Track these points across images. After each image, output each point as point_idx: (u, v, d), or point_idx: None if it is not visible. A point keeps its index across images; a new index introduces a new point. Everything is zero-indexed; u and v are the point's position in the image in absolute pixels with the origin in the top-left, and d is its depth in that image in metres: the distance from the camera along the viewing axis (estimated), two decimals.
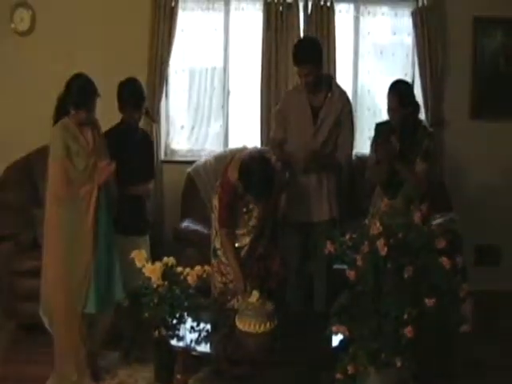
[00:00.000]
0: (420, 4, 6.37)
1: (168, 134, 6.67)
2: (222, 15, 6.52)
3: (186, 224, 5.96)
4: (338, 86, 5.21)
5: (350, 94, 5.83)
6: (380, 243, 3.46)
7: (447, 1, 6.42)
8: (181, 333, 4.23)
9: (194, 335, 4.25)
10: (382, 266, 3.49)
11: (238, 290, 4.75)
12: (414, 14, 6.39)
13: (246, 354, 4.28)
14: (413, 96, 5.11)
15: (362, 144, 6.47)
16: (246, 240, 4.88)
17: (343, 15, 6.55)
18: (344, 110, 5.06)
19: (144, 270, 4.25)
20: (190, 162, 6.36)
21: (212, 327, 4.35)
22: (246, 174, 4.53)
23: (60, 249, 4.42)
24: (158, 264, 4.25)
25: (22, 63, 6.25)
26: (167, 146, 6.66)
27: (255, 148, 5.99)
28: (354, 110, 5.40)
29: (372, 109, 6.67)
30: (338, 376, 3.56)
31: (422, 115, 6.01)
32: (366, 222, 3.83)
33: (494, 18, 6.45)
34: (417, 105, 5.13)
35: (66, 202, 4.41)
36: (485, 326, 4.31)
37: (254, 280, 4.76)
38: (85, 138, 4.46)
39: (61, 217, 4.42)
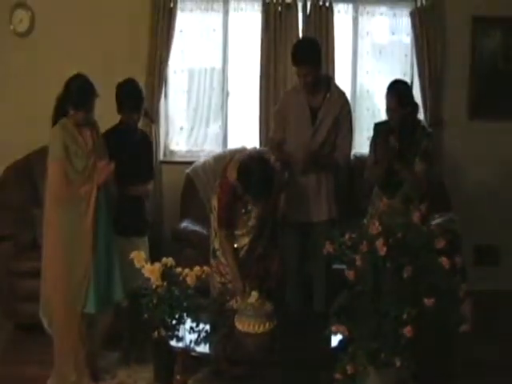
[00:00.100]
0: (419, 4, 6.38)
1: (167, 134, 6.67)
2: (220, 16, 6.52)
3: (184, 224, 5.96)
4: (337, 87, 5.21)
5: (348, 94, 5.84)
6: (379, 243, 3.46)
7: (446, 1, 6.42)
8: (180, 333, 4.22)
9: (194, 336, 4.25)
10: (381, 266, 3.48)
11: (237, 290, 4.75)
12: (412, 14, 6.40)
13: (245, 354, 4.28)
14: (411, 96, 5.11)
15: (361, 144, 6.47)
16: (245, 240, 4.88)
17: (342, 15, 6.56)
18: (343, 111, 5.06)
19: (143, 271, 4.25)
20: (189, 163, 6.36)
21: (211, 328, 4.35)
22: (244, 174, 4.53)
23: (59, 249, 4.42)
24: (157, 264, 4.24)
25: (21, 64, 6.26)
26: (166, 146, 6.67)
27: (254, 148, 5.99)
28: (352, 110, 5.40)
29: (371, 109, 6.69)
30: (338, 376, 3.56)
31: (421, 115, 6.02)
32: (365, 221, 3.83)
33: (493, 18, 6.46)
34: (415, 105, 5.13)
35: (66, 203, 4.41)
36: (484, 325, 4.31)
37: (253, 280, 4.77)
38: (84, 139, 4.46)
39: (60, 217, 4.42)
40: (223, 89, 6.59)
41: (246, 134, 6.64)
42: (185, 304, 4.17)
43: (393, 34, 6.68)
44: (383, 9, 6.61)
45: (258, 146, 6.29)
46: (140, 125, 5.49)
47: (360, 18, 6.59)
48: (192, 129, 6.67)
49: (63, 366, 4.50)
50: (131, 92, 5.12)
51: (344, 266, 3.64)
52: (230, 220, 4.82)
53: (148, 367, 4.62)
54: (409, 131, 4.96)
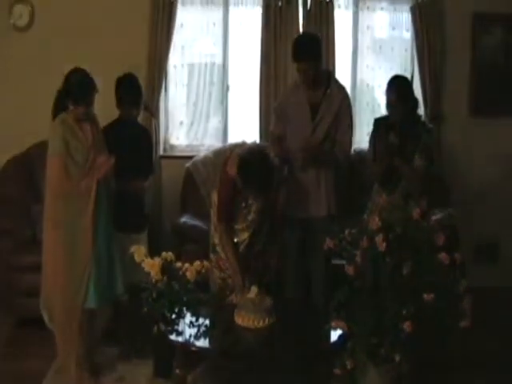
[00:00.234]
0: None
1: (167, 129, 6.67)
2: (221, 10, 6.51)
3: (184, 219, 5.96)
4: (337, 82, 5.20)
5: (348, 89, 5.83)
6: (379, 239, 3.46)
7: None
8: (180, 328, 4.23)
9: (193, 330, 4.25)
10: (381, 262, 3.49)
11: (236, 284, 4.76)
12: (413, 9, 6.38)
13: (244, 349, 4.28)
14: (411, 91, 5.11)
15: (361, 139, 6.47)
16: (245, 235, 4.88)
17: (342, 10, 6.55)
18: (343, 106, 5.05)
19: (143, 265, 4.25)
20: (189, 157, 6.35)
21: (211, 322, 4.36)
22: (244, 168, 4.53)
23: (59, 244, 4.41)
24: (156, 259, 4.25)
25: (20, 59, 6.25)
26: (166, 141, 6.66)
27: (254, 143, 5.97)
28: (352, 105, 5.39)
29: (371, 104, 6.68)
30: (337, 371, 3.57)
31: (421, 110, 6.01)
32: (365, 217, 3.84)
33: (494, 14, 6.44)
34: (416, 100, 5.12)
35: (66, 197, 4.40)
36: (484, 322, 4.31)
37: (253, 275, 4.77)
38: (84, 134, 4.45)
39: (60, 212, 4.42)
40: (223, 83, 6.59)
41: (246, 128, 6.63)
42: (184, 298, 4.17)
43: (393, 29, 6.66)
44: (384, 4, 6.59)
45: (257, 141, 6.28)
46: (140, 119, 5.49)
47: (360, 13, 6.58)
48: (192, 123, 6.66)
49: (64, 360, 4.51)
50: (130, 87, 5.14)
51: (343, 262, 3.65)
52: (230, 214, 4.82)
53: (148, 362, 4.63)
54: (409, 127, 4.96)
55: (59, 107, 4.47)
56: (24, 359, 4.92)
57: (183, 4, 6.41)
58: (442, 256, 3.47)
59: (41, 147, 5.09)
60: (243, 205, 4.83)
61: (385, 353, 3.46)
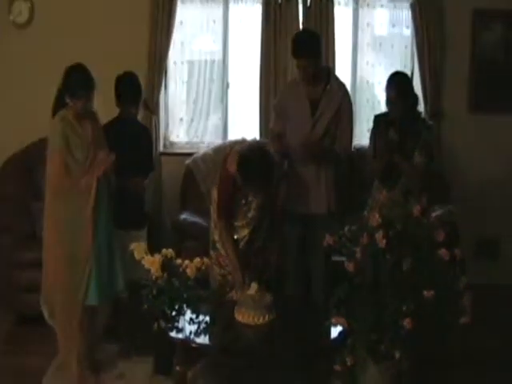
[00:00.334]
0: None
1: (167, 126, 6.67)
2: (221, 7, 6.51)
3: (184, 216, 5.96)
4: (337, 78, 5.20)
5: (348, 86, 5.83)
6: (379, 235, 3.46)
7: None
8: (180, 325, 4.22)
9: (193, 327, 4.25)
10: (381, 258, 3.49)
11: (236, 281, 4.76)
12: (413, 6, 6.38)
13: (244, 345, 4.29)
14: (411, 88, 5.10)
15: (361, 136, 6.48)
16: (245, 232, 4.88)
17: (342, 7, 6.54)
18: (343, 103, 5.05)
19: (143, 262, 4.25)
20: (189, 154, 6.36)
21: (211, 319, 4.35)
22: (244, 165, 4.53)
23: (60, 241, 4.42)
24: (157, 256, 4.24)
25: (20, 55, 6.25)
26: (166, 138, 6.67)
27: (254, 140, 5.98)
28: (352, 101, 5.38)
29: (371, 100, 6.68)
30: (337, 368, 3.57)
31: (421, 107, 6.00)
32: (365, 214, 3.84)
33: (494, 11, 6.43)
34: (416, 97, 5.12)
35: (65, 194, 4.40)
36: (484, 319, 4.31)
37: (253, 272, 4.77)
38: (84, 131, 4.44)
39: (60, 209, 4.41)
40: (223, 80, 6.59)
41: (245, 125, 6.64)
42: (185, 295, 4.17)
43: (393, 26, 6.66)
44: (383, 1, 6.58)
45: (257, 138, 6.28)
46: (140, 117, 5.49)
47: (360, 10, 6.58)
48: (192, 120, 6.67)
49: (65, 357, 4.51)
50: (130, 85, 5.14)
51: (343, 258, 3.65)
52: (230, 211, 4.82)
53: (148, 359, 4.64)
54: (409, 123, 4.96)
55: (59, 104, 4.46)
56: (24, 356, 4.92)
57: (183, 1, 6.42)
58: (442, 252, 3.46)
59: (40, 145, 5.09)
60: (243, 202, 4.83)
61: (385, 349, 3.46)
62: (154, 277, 4.16)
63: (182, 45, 6.53)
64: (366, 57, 6.64)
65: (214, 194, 4.91)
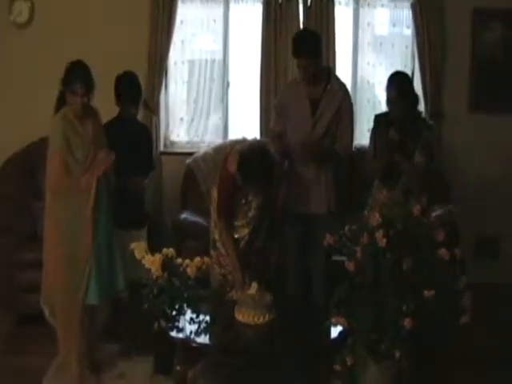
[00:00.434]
0: None
1: (167, 125, 6.68)
2: (221, 7, 6.52)
3: (185, 215, 5.96)
4: (337, 78, 5.20)
5: (349, 86, 5.84)
6: (379, 235, 3.46)
7: None
8: (180, 324, 4.22)
9: (194, 327, 4.25)
10: (382, 258, 3.49)
11: (236, 280, 4.76)
12: (413, 6, 6.38)
13: (245, 345, 4.29)
14: (412, 88, 5.10)
15: (362, 135, 6.48)
16: (245, 231, 4.88)
17: (343, 7, 6.55)
18: (343, 102, 5.05)
19: (144, 262, 4.25)
20: (190, 154, 6.36)
21: (211, 319, 4.35)
22: (244, 165, 4.53)
23: (60, 240, 4.41)
24: (157, 255, 4.25)
25: (20, 55, 6.25)
26: (167, 137, 6.67)
27: (254, 139, 5.98)
28: (353, 101, 5.39)
29: (371, 100, 6.68)
30: (337, 367, 3.57)
31: (422, 107, 6.00)
32: (366, 213, 3.84)
33: (494, 10, 6.43)
34: (416, 96, 5.12)
35: (65, 194, 4.40)
36: (484, 318, 4.32)
37: (253, 272, 4.77)
38: (84, 130, 4.44)
39: (60, 208, 4.41)
40: (224, 80, 6.59)
41: (246, 125, 6.65)
42: (185, 295, 4.17)
43: (394, 25, 6.66)
44: (384, 0, 6.58)
45: (258, 137, 6.28)
46: (140, 116, 5.49)
47: (361, 10, 6.58)
48: (192, 120, 6.67)
49: (65, 357, 4.51)
50: (129, 85, 5.15)
51: (344, 258, 3.65)
52: (230, 210, 4.82)
53: (148, 358, 4.64)
54: (409, 123, 4.96)
55: (61, 102, 4.45)
56: (24, 356, 4.92)
57: (183, 1, 6.42)
58: (442, 252, 3.47)
59: (41, 144, 5.08)
60: (243, 201, 4.83)
61: (385, 349, 3.46)
62: (154, 276, 4.16)
63: (182, 44, 6.53)
64: (367, 57, 6.64)
65: (214, 193, 4.92)
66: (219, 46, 6.57)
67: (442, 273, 3.49)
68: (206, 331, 4.24)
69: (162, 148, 6.54)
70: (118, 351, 4.87)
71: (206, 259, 4.32)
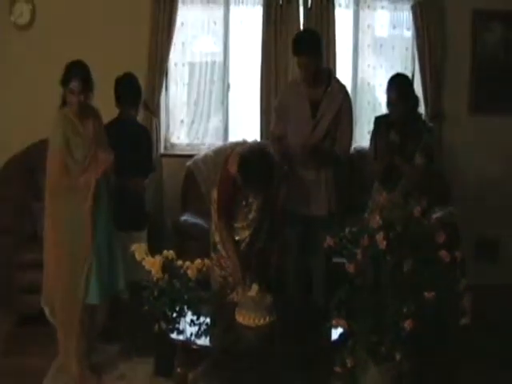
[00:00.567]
0: None
1: (168, 127, 6.67)
2: (221, 9, 6.51)
3: (185, 217, 5.96)
4: (337, 80, 5.21)
5: (349, 88, 5.84)
6: (379, 237, 3.47)
7: None
8: (181, 326, 4.23)
9: (194, 328, 4.26)
10: (382, 260, 3.50)
11: (236, 279, 4.77)
12: (413, 8, 6.38)
13: (245, 347, 4.29)
14: (412, 90, 5.11)
15: (362, 138, 6.48)
16: (246, 233, 4.89)
17: (343, 9, 6.54)
18: (343, 104, 5.05)
19: (144, 263, 4.26)
20: (190, 156, 6.35)
21: (212, 321, 4.36)
22: (245, 167, 4.54)
23: (59, 240, 4.42)
24: (157, 257, 4.25)
25: (21, 56, 6.24)
26: (167, 139, 6.67)
27: (255, 141, 5.99)
28: (353, 103, 5.39)
29: (371, 102, 6.68)
30: (337, 369, 3.57)
31: (422, 109, 6.01)
32: (366, 215, 3.85)
33: (494, 11, 6.44)
34: (416, 98, 5.13)
35: (64, 193, 4.40)
36: (484, 318, 4.32)
37: (254, 273, 4.78)
38: (85, 130, 4.44)
39: (59, 208, 4.42)
40: (224, 82, 6.59)
41: (246, 127, 6.64)
42: (185, 297, 4.18)
43: (394, 27, 6.66)
44: (384, 2, 6.58)
45: (258, 139, 6.29)
46: (140, 118, 5.49)
47: (361, 12, 6.57)
48: (193, 122, 6.67)
49: (65, 357, 4.52)
50: (129, 87, 5.16)
51: (344, 260, 3.66)
52: (230, 211, 4.83)
53: (149, 360, 4.64)
54: (409, 125, 4.96)
55: (65, 104, 4.46)
56: (24, 356, 4.92)
57: (184, 3, 6.40)
58: (443, 254, 3.47)
59: (41, 145, 5.08)
60: (243, 203, 4.83)
61: (385, 351, 3.46)
62: (154, 278, 4.17)
63: (182, 46, 6.53)
64: (367, 59, 6.64)
65: (215, 194, 4.92)
66: (219, 48, 6.57)
67: (443, 275, 3.49)
68: (206, 333, 4.24)
69: (162, 150, 6.53)
70: (119, 352, 4.87)
71: (206, 261, 4.33)
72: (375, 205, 4.56)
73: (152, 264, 4.20)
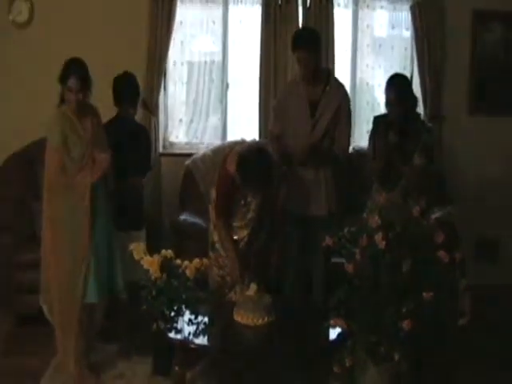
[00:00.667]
0: None
1: (166, 126, 6.67)
2: (220, 8, 6.51)
3: (184, 217, 5.95)
4: (336, 79, 5.21)
5: (348, 88, 5.83)
6: (378, 237, 3.47)
7: None
8: (179, 325, 4.22)
9: (192, 328, 4.24)
10: (381, 260, 3.50)
11: (234, 278, 4.77)
12: (412, 8, 6.38)
13: (244, 346, 4.29)
14: (411, 90, 5.11)
15: (360, 137, 6.47)
16: (244, 233, 4.89)
17: (342, 9, 6.55)
18: (342, 104, 5.05)
19: (142, 263, 4.25)
20: (189, 155, 6.35)
21: (210, 320, 4.35)
22: (243, 166, 4.54)
23: (57, 239, 4.41)
24: (156, 256, 4.24)
25: (20, 55, 6.24)
26: (165, 138, 6.66)
27: (253, 141, 5.98)
28: (352, 103, 5.40)
29: (370, 102, 6.68)
30: (336, 369, 3.57)
31: (421, 109, 6.01)
32: (365, 215, 3.84)
33: (494, 11, 6.44)
34: (415, 99, 5.12)
35: (61, 191, 4.40)
36: (483, 319, 4.32)
37: (252, 273, 4.77)
38: (84, 127, 4.44)
39: (56, 206, 4.41)
40: (223, 81, 6.58)
41: (245, 126, 6.64)
42: (184, 296, 4.17)
43: (393, 27, 6.66)
44: (383, 2, 6.59)
45: (257, 139, 6.28)
46: (138, 117, 5.49)
47: (360, 12, 6.58)
48: (191, 121, 6.66)
49: (63, 356, 4.51)
50: (127, 86, 5.16)
51: (343, 260, 3.66)
52: (228, 209, 4.83)
53: (147, 359, 4.63)
54: (408, 125, 4.96)
55: (63, 101, 4.45)
56: (24, 356, 4.91)
57: (183, 2, 6.40)
58: (441, 254, 3.47)
59: (41, 144, 5.06)
60: (242, 202, 4.83)
61: (384, 351, 3.46)
62: (153, 277, 4.16)
63: (181, 45, 6.53)
64: (366, 59, 6.64)
65: (213, 192, 4.92)
66: (218, 47, 6.57)
67: (441, 275, 3.49)
68: (204, 332, 4.23)
69: (161, 149, 6.53)
70: (117, 352, 4.87)
71: (204, 260, 4.31)
72: (374, 205, 4.56)
73: (150, 263, 4.19)
